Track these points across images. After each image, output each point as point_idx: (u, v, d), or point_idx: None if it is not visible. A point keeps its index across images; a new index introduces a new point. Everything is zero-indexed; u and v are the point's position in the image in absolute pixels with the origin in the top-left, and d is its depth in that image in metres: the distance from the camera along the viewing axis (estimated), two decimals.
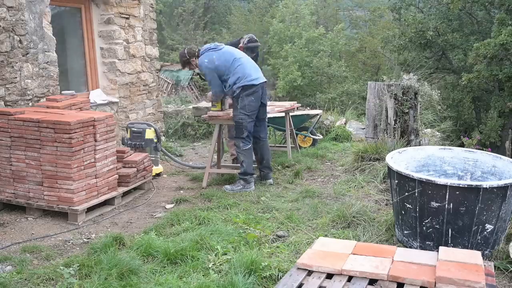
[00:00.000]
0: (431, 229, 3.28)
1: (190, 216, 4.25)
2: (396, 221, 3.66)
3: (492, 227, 3.21)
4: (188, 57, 5.31)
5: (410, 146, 5.29)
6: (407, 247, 3.39)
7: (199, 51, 5.26)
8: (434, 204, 3.20)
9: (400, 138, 5.44)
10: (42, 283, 3.13)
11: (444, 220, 3.20)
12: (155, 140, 5.72)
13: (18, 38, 5.00)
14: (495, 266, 3.09)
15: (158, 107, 7.60)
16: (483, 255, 2.99)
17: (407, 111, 5.42)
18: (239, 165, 5.23)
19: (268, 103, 6.18)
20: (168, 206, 4.80)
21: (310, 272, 2.54)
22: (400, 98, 5.40)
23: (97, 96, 6.42)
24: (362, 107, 12.20)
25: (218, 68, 5.08)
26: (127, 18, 6.78)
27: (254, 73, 5.11)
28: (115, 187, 4.82)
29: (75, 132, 4.24)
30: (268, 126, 7.05)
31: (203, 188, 5.33)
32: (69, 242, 3.89)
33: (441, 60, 18.50)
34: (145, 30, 7.18)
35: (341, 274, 2.48)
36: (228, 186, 5.21)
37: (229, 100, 5.69)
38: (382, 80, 6.26)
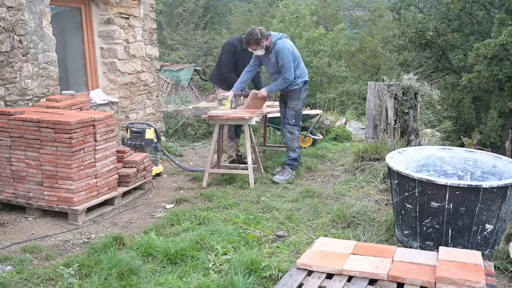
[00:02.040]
0: (431, 229, 3.28)
1: (190, 216, 4.25)
2: (396, 221, 3.66)
3: (492, 227, 3.21)
4: (260, 37, 5.28)
5: (410, 146, 5.29)
6: (407, 247, 3.39)
7: (269, 34, 5.37)
8: (434, 204, 3.20)
9: (400, 138, 5.44)
10: (42, 283, 3.13)
11: (444, 220, 3.20)
12: (155, 140, 5.72)
13: (18, 38, 5.00)
14: (495, 266, 3.09)
15: (158, 107, 7.60)
16: (483, 255, 2.99)
17: (407, 111, 5.43)
18: (290, 151, 5.53)
19: (269, 103, 6.20)
20: (168, 206, 4.80)
21: (310, 272, 2.54)
22: (400, 98, 5.40)
23: (97, 96, 6.41)
24: (362, 107, 12.20)
25: (294, 56, 5.40)
26: (127, 18, 6.78)
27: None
28: (115, 187, 4.82)
29: (75, 132, 4.24)
30: (268, 126, 7.08)
31: (203, 188, 5.33)
32: (69, 242, 3.89)
33: (441, 60, 18.51)
34: (145, 30, 7.17)
35: (341, 274, 2.48)
36: (279, 177, 5.41)
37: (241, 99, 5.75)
38: (382, 80, 6.26)
